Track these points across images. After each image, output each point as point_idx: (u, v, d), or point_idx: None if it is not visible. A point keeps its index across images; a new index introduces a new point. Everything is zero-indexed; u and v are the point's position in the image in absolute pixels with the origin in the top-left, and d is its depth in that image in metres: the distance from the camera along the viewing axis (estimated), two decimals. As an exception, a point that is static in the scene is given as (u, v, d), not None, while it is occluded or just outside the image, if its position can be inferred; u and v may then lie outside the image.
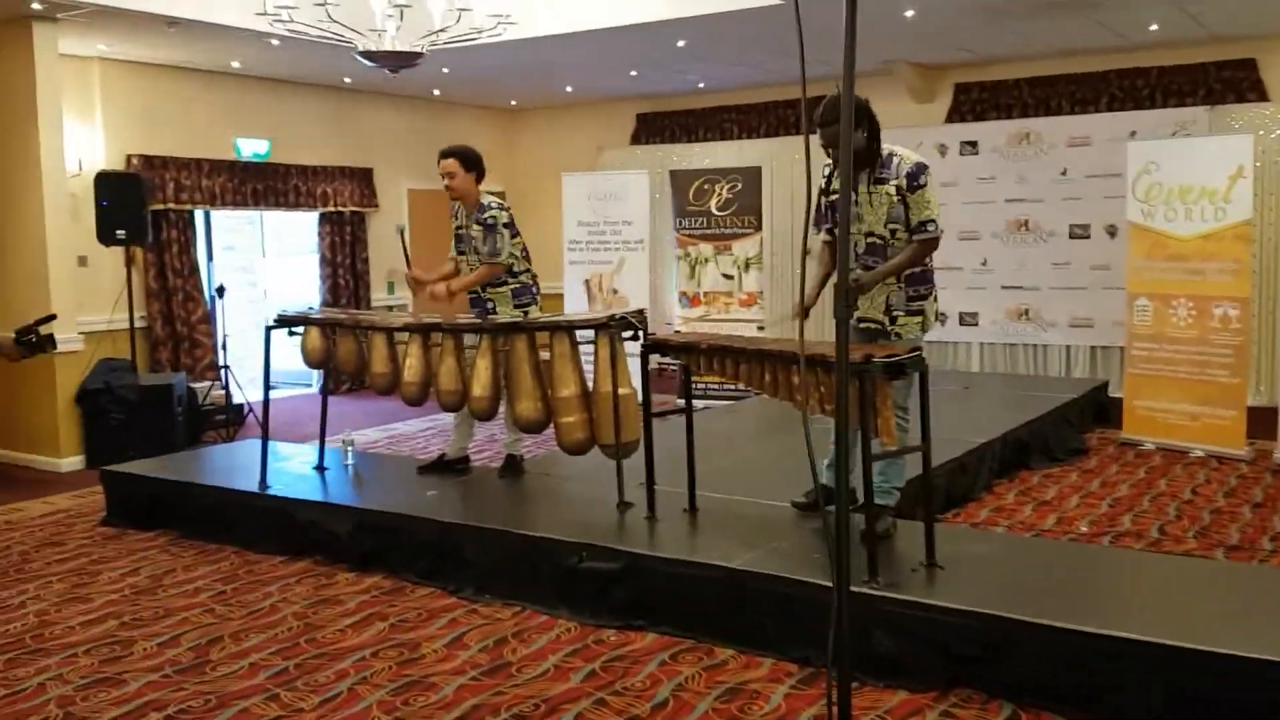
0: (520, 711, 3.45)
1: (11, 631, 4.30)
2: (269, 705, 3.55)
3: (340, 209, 10.48)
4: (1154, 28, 8.02)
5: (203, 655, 4.00)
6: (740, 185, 8.69)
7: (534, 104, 11.86)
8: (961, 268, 9.41)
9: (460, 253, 5.60)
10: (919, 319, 4.26)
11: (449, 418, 8.58)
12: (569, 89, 10.70)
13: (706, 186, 8.78)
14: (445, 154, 5.48)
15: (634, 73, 9.63)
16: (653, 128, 11.44)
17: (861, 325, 4.30)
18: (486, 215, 5.40)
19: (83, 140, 8.22)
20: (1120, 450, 7.07)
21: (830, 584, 3.60)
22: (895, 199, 4.13)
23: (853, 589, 3.61)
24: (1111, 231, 9.04)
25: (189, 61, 8.81)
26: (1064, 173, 9.17)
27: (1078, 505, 5.76)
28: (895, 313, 4.24)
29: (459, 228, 5.57)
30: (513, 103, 11.80)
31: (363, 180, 10.71)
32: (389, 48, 6.18)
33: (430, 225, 11.66)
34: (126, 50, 8.26)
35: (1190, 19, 7.63)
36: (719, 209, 8.76)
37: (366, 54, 6.19)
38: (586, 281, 9.31)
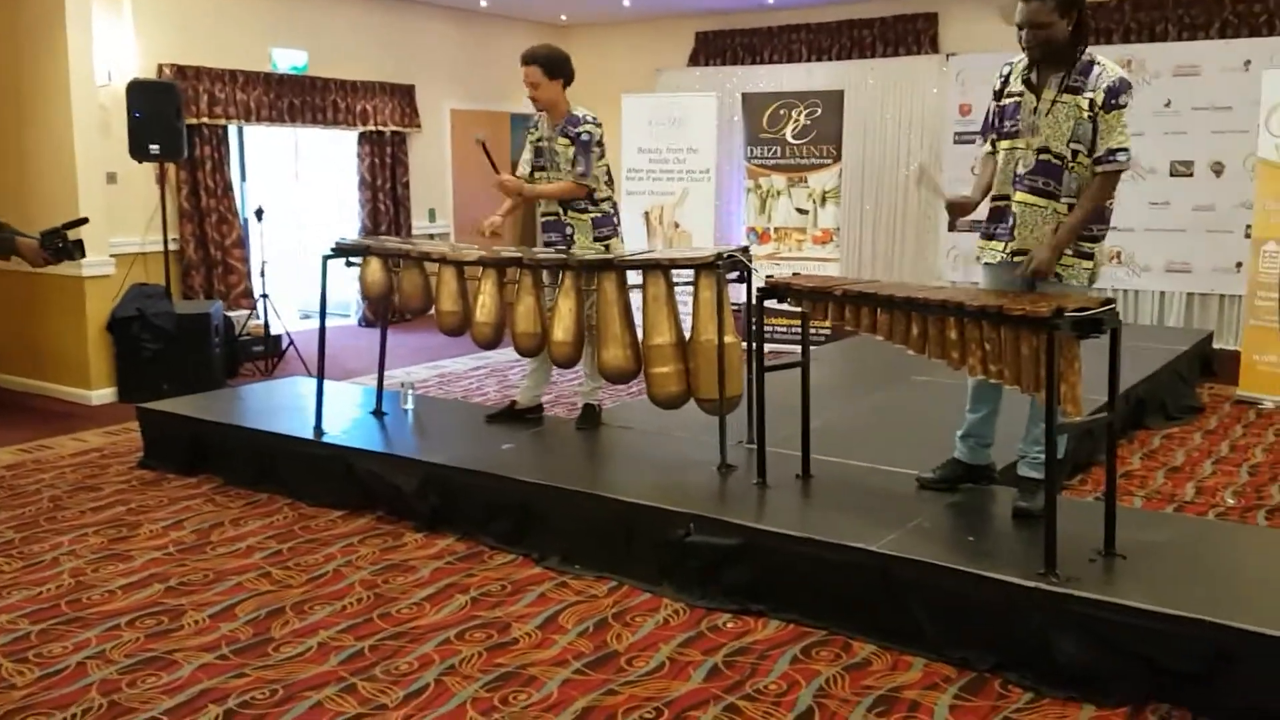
0: (641, 717, 2.94)
1: (46, 595, 3.82)
2: (345, 699, 3.06)
3: (380, 128, 9.84)
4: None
5: (262, 631, 3.52)
6: (820, 111, 8.00)
7: (585, 19, 11.12)
8: (1050, 206, 8.72)
9: (540, 168, 4.98)
10: (1089, 263, 3.64)
11: (500, 357, 8.11)
12: (625, 2, 9.96)
13: (783, 112, 8.10)
14: (526, 59, 4.82)
15: (702, -16, 8.91)
16: (713, 48, 10.69)
17: (1016, 259, 3.67)
18: (581, 130, 4.81)
19: (112, 48, 7.58)
20: (1238, 409, 6.49)
21: (1000, 576, 3.10)
22: (1085, 114, 3.47)
23: (1026, 584, 3.12)
24: (1217, 170, 8.34)
25: (224, -37, 8.15)
26: (1168, 104, 8.43)
27: (1213, 473, 5.20)
28: (1063, 250, 3.62)
29: (539, 139, 4.96)
30: (563, 17, 11.06)
31: (404, 98, 10.05)
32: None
33: (474, 149, 11.02)
34: (157, -52, 7.60)
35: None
36: (795, 137, 8.09)
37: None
38: (646, 214, 8.70)
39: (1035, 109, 3.56)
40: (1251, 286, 6.67)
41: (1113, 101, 3.44)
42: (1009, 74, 3.70)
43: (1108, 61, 3.52)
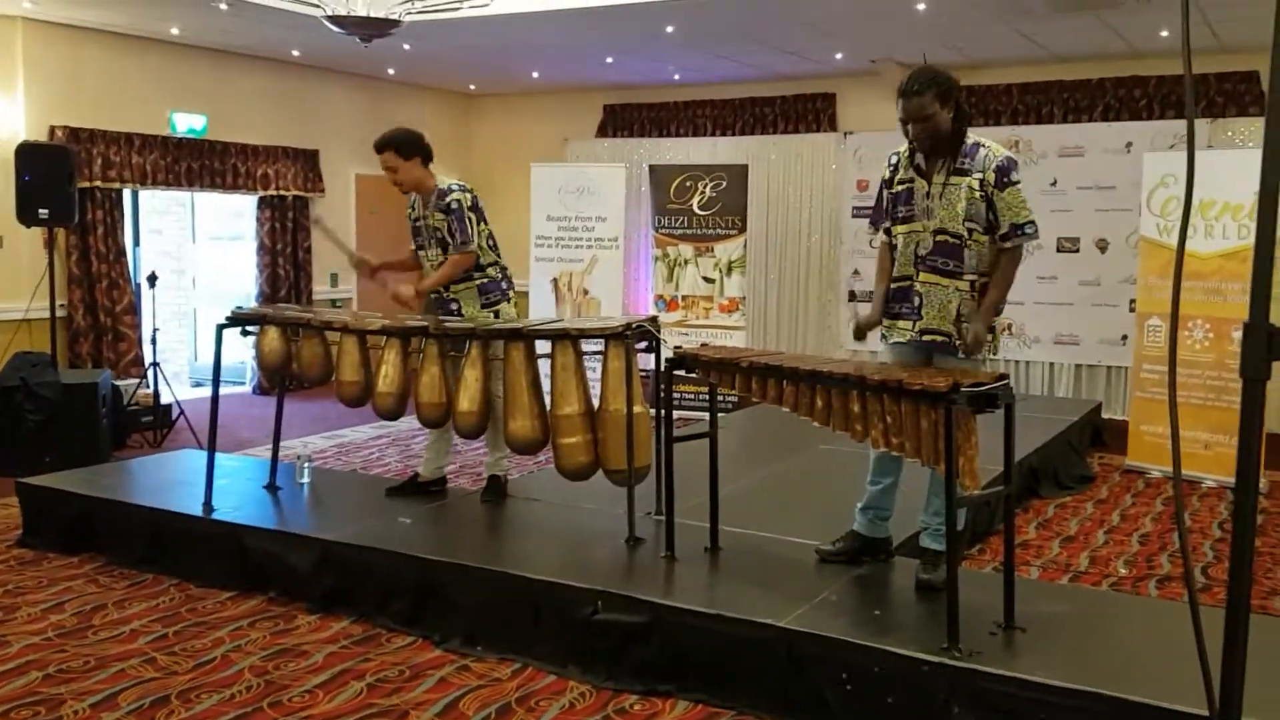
0: (545, 808, 2.85)
1: (-94, 689, 3.56)
2: (232, 796, 2.91)
3: (282, 192, 9.69)
4: (1164, 34, 7.68)
5: (145, 723, 3.33)
6: (725, 184, 8.15)
7: (494, 90, 11.19)
8: (947, 279, 8.98)
9: (419, 247, 4.97)
10: (991, 335, 3.75)
11: (402, 426, 7.95)
12: (535, 74, 10.05)
13: (689, 184, 8.22)
14: (378, 147, 4.82)
15: (610, 59, 9.04)
16: (621, 120, 10.84)
17: (924, 338, 3.77)
18: (450, 199, 4.78)
19: (1, 109, 7.35)
20: (1127, 478, 6.70)
21: (905, 651, 3.10)
22: (978, 194, 3.61)
23: (930, 658, 3.13)
24: (1102, 246, 8.71)
25: (123, 26, 8.00)
26: (1054, 183, 8.80)
27: (1106, 543, 5.33)
28: (966, 324, 3.71)
29: (416, 219, 4.94)
30: (471, 87, 11.11)
31: (308, 163, 9.93)
32: (361, 13, 5.51)
33: (383, 215, 10.93)
34: (54, 10, 7.42)
35: (1206, 26, 7.29)
36: (701, 208, 8.21)
37: (336, 19, 5.51)
38: (555, 280, 8.69)
39: (928, 193, 3.69)
40: (1137, 359, 6.93)
41: (1006, 180, 3.59)
42: (897, 162, 3.83)
43: (991, 143, 3.68)
